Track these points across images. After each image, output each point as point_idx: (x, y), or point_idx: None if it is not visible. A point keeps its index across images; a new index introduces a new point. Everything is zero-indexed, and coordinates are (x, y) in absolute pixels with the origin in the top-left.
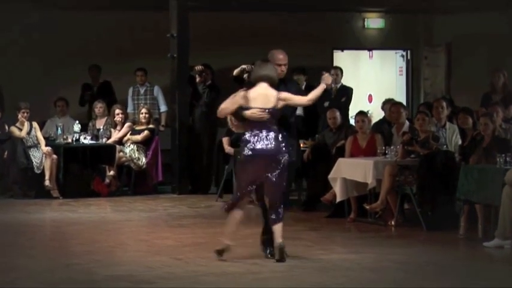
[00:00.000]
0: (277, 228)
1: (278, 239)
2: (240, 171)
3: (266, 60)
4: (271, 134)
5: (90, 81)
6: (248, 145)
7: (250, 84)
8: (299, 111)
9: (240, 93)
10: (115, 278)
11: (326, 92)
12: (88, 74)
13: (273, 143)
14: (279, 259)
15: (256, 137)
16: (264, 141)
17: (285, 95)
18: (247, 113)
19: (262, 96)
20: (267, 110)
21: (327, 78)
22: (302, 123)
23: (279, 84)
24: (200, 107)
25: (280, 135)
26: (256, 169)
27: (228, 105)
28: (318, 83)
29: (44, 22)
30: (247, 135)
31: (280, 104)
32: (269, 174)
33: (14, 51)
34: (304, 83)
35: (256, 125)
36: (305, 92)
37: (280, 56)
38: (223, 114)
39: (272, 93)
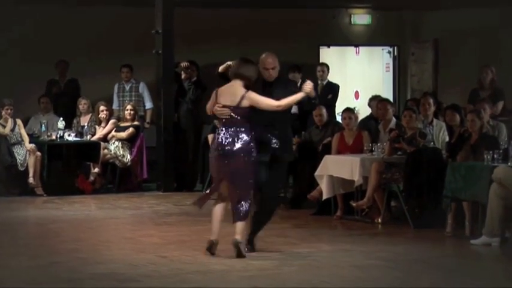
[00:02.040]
0: (238, 226)
1: (235, 235)
2: (210, 167)
3: (247, 60)
4: (238, 133)
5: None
6: (215, 142)
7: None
8: (294, 109)
9: (216, 90)
10: (99, 276)
11: (308, 99)
12: (55, 69)
13: (237, 141)
14: (237, 255)
15: (222, 135)
16: (228, 139)
17: (252, 95)
18: (214, 108)
19: (228, 94)
20: (231, 108)
21: (307, 87)
22: (297, 121)
23: (274, 85)
24: (186, 103)
25: (247, 135)
26: (220, 166)
27: (209, 102)
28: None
29: (26, 18)
30: (217, 132)
31: (245, 103)
32: (232, 172)
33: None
34: (300, 81)
35: (225, 121)
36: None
37: (269, 60)
38: (209, 112)
39: (239, 91)
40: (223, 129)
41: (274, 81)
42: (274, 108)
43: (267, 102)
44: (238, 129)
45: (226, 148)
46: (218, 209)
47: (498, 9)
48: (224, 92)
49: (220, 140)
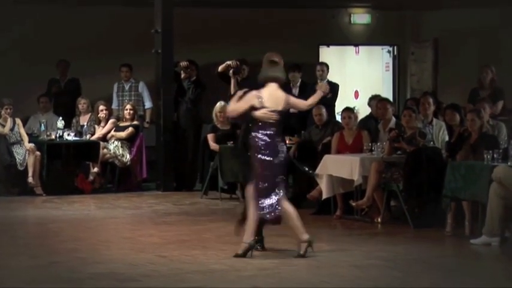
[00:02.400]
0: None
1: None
2: (261, 171)
3: (273, 61)
4: (275, 136)
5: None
6: (262, 146)
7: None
8: (292, 109)
9: (253, 93)
10: (99, 276)
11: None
12: (56, 68)
13: (280, 148)
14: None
15: (267, 139)
16: (274, 143)
17: (292, 100)
18: (258, 113)
19: (273, 98)
20: (276, 112)
21: (324, 87)
22: (296, 120)
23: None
24: (185, 103)
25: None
26: (277, 169)
27: (241, 105)
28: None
29: (26, 18)
30: (260, 136)
31: (286, 106)
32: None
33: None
34: (299, 80)
35: (262, 125)
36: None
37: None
38: (236, 114)
39: (281, 95)
40: (263, 132)
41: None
42: (305, 108)
43: (302, 104)
44: (273, 132)
45: (280, 156)
46: (290, 208)
47: (498, 9)
48: (268, 96)
49: (272, 144)
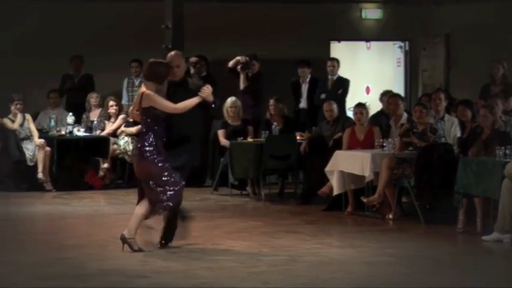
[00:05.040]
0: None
1: None
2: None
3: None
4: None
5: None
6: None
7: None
8: (303, 104)
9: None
10: (108, 272)
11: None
12: (69, 64)
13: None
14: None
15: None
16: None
17: (149, 95)
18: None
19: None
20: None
21: (204, 92)
22: (306, 115)
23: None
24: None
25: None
26: None
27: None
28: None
29: (36, 13)
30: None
31: (145, 103)
32: None
33: (6, 43)
34: (309, 76)
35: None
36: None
37: (173, 59)
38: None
39: (141, 94)
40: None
41: (179, 81)
42: (170, 111)
43: (165, 104)
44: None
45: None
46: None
47: (510, 3)
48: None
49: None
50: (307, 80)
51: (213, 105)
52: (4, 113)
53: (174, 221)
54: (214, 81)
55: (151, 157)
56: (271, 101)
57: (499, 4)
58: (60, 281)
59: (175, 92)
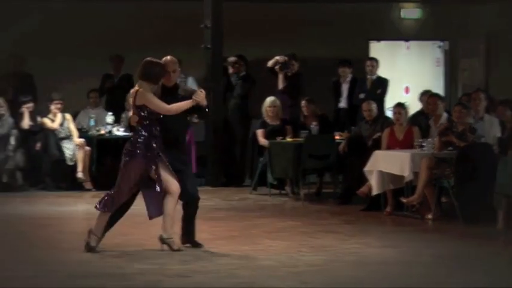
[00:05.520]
0: None
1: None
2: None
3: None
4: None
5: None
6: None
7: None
8: (343, 104)
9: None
10: (147, 271)
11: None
12: (109, 63)
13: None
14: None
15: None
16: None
17: (144, 93)
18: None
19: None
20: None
21: (199, 96)
22: (346, 115)
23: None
24: (233, 98)
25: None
26: None
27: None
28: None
29: (77, 11)
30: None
31: (138, 101)
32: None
33: (47, 42)
34: (350, 76)
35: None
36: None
37: (169, 64)
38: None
39: (135, 92)
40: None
41: (171, 87)
42: (164, 112)
43: (159, 104)
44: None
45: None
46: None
47: None
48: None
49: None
50: (348, 80)
51: (207, 109)
52: (44, 112)
53: (192, 219)
54: (253, 80)
55: (140, 153)
56: (303, 102)
57: None
58: (100, 280)
59: (166, 98)
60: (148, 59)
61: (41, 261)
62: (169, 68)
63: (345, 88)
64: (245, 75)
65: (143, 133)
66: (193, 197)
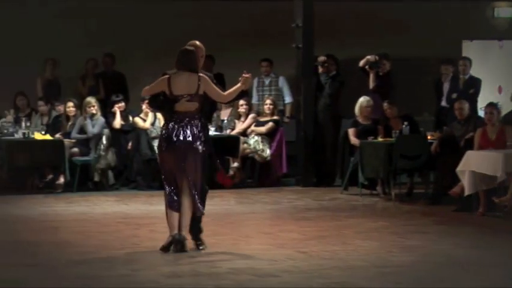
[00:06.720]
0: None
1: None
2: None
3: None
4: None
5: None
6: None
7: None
8: (444, 103)
9: (163, 78)
10: (238, 271)
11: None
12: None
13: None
14: (175, 250)
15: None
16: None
17: (211, 88)
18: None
19: (183, 84)
20: (188, 96)
21: (244, 80)
22: (447, 114)
23: None
24: (323, 98)
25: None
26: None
27: (153, 87)
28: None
29: (162, 14)
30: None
31: (203, 88)
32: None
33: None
34: (451, 74)
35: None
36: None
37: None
38: (146, 94)
39: (194, 81)
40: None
41: None
42: (222, 101)
43: (218, 93)
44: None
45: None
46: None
47: None
48: (179, 82)
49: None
50: (449, 78)
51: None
52: (136, 112)
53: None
54: (342, 80)
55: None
56: (385, 105)
57: None
58: (191, 279)
59: None
60: (186, 47)
61: (134, 260)
62: (199, 54)
63: (446, 87)
64: (335, 74)
65: (202, 121)
66: None
